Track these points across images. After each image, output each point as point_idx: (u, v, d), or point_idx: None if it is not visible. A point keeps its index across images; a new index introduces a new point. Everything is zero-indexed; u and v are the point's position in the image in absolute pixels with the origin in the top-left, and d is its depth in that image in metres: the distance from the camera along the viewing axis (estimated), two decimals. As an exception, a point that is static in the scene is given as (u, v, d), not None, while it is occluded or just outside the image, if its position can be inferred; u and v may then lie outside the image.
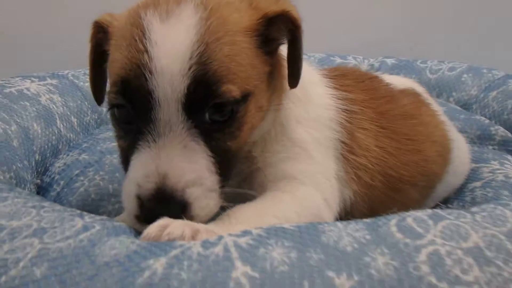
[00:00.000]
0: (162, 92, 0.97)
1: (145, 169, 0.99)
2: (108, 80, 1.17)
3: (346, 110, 1.36)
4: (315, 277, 0.79)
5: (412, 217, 0.94)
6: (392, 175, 1.39)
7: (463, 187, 1.70)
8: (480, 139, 2.04)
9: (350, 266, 0.81)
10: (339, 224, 0.94)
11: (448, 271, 0.81)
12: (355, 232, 0.90)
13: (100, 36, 1.19)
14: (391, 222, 0.92)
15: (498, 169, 1.73)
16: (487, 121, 2.12)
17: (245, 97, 1.06)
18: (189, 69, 0.96)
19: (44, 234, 0.93)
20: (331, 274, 0.80)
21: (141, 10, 1.04)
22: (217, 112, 1.02)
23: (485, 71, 2.51)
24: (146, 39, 0.98)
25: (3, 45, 2.95)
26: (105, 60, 1.19)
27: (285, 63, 1.21)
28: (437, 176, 1.54)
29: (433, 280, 0.79)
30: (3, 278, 0.84)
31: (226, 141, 1.06)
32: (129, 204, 1.00)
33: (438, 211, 0.97)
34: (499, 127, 2.07)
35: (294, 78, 1.18)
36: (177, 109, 0.98)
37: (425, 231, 0.89)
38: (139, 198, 0.98)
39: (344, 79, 1.47)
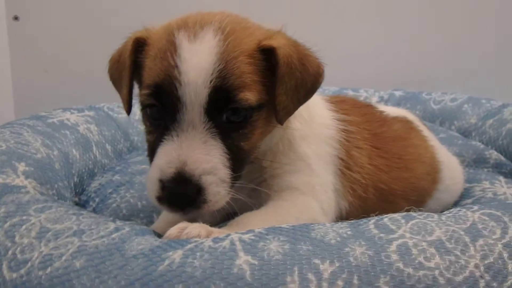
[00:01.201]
0: (188, 99, 1.14)
1: (168, 157, 1.14)
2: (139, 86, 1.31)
3: (344, 130, 1.50)
4: (303, 263, 0.93)
5: (388, 217, 1.08)
6: (384, 189, 1.52)
7: (456, 204, 1.82)
8: (476, 162, 2.15)
9: (333, 255, 0.95)
10: (327, 224, 1.09)
11: (413, 259, 0.94)
12: (339, 229, 1.04)
13: (136, 49, 1.32)
14: (370, 222, 1.07)
15: (489, 188, 1.85)
16: (482, 146, 2.23)
17: (260, 106, 1.21)
18: (211, 82, 1.14)
19: (82, 234, 1.08)
20: (317, 261, 0.94)
21: (174, 30, 1.21)
22: (234, 115, 1.18)
23: (484, 101, 2.63)
24: (177, 55, 1.16)
25: (47, 82, 3.14)
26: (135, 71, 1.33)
27: None
28: (427, 192, 1.67)
29: (401, 265, 0.92)
30: (49, 269, 1.00)
31: (240, 141, 1.21)
32: (152, 186, 1.15)
33: (411, 213, 1.10)
34: (493, 151, 2.17)
35: (277, 113, 1.25)
36: (200, 112, 1.15)
37: (397, 227, 1.02)
38: (161, 181, 1.13)
39: (343, 104, 1.62)
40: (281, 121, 1.27)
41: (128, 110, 1.38)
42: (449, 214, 1.09)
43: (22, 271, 1.01)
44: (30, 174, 1.48)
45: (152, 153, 1.21)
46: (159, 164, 1.14)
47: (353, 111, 1.60)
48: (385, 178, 1.53)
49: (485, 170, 2.11)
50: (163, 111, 1.19)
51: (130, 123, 2.42)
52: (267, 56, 1.23)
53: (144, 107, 1.24)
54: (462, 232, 1.00)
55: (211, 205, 1.15)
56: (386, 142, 1.60)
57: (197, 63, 1.14)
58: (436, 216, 1.08)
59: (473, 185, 1.90)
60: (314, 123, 1.47)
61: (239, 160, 1.22)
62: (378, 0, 3.44)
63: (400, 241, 0.98)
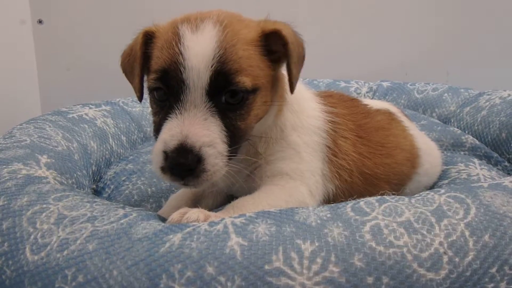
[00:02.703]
0: (191, 81, 1.17)
1: (171, 131, 1.17)
2: (148, 74, 1.33)
3: (331, 121, 1.52)
4: (287, 243, 0.96)
5: (364, 201, 1.09)
6: (368, 173, 1.54)
7: (435, 185, 1.84)
8: (453, 146, 2.16)
9: (313, 236, 0.97)
10: (310, 207, 1.11)
11: (384, 238, 0.96)
12: (320, 212, 1.06)
13: (145, 42, 1.35)
14: (348, 205, 1.08)
15: (463, 170, 1.87)
16: (459, 131, 2.24)
17: (255, 90, 1.24)
18: (211, 66, 1.17)
19: (95, 220, 1.11)
20: (299, 241, 0.96)
21: (178, 24, 1.25)
22: (232, 97, 1.21)
23: (462, 90, 2.64)
24: (181, 44, 1.19)
25: (69, 79, 3.17)
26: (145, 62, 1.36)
27: (284, 77, 1.39)
28: (407, 175, 1.68)
29: (373, 244, 0.94)
30: (66, 252, 1.03)
31: (236, 121, 1.24)
32: (156, 157, 1.19)
33: (385, 196, 1.12)
34: (469, 136, 2.18)
35: (291, 83, 1.32)
36: (201, 93, 1.18)
37: (371, 210, 1.04)
38: (164, 152, 1.16)
39: (330, 98, 1.64)
40: (293, 90, 1.33)
41: (140, 97, 1.41)
42: (418, 197, 1.10)
43: (43, 254, 1.04)
44: (52, 165, 1.51)
45: (157, 132, 1.24)
46: (164, 138, 1.17)
47: (339, 104, 1.62)
48: (368, 163, 1.55)
49: (462, 153, 2.12)
50: (168, 93, 1.22)
51: (143, 115, 2.44)
52: (267, 43, 1.28)
53: (151, 91, 1.27)
54: (428, 213, 1.02)
55: (209, 175, 1.18)
56: (369, 132, 1.62)
57: (199, 50, 1.18)
58: (406, 199, 1.09)
59: (449, 167, 1.91)
60: (304, 114, 1.49)
61: (235, 138, 1.24)
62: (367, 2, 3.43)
63: (373, 222, 1.00)
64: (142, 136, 2.37)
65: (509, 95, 2.26)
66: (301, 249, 0.94)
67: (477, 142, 2.14)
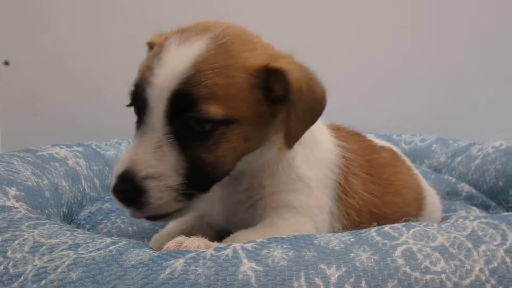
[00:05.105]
0: (153, 101, 1.06)
1: (125, 155, 1.08)
2: None
3: (343, 156, 1.43)
4: (309, 268, 0.85)
5: (388, 226, 1.00)
6: (376, 213, 1.45)
7: (436, 232, 1.76)
8: (449, 195, 2.12)
9: (339, 260, 0.87)
10: (328, 233, 1.01)
11: (419, 263, 0.87)
12: (342, 237, 0.97)
13: None
14: (372, 230, 0.99)
15: (465, 216, 1.80)
16: (454, 179, 2.21)
17: (228, 121, 1.09)
18: (175, 86, 1.04)
19: (78, 248, 0.99)
20: (323, 266, 0.86)
21: (172, 33, 1.15)
22: (198, 124, 1.07)
23: (451, 141, 2.63)
24: (159, 57, 1.09)
25: (35, 125, 3.05)
26: None
27: None
28: (413, 217, 1.58)
29: (408, 270, 0.85)
30: (43, 281, 0.90)
31: (200, 152, 1.09)
32: (112, 178, 1.09)
33: (410, 222, 1.03)
34: (465, 184, 2.15)
35: (286, 138, 1.17)
36: (160, 116, 1.06)
37: (400, 234, 0.95)
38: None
39: (339, 131, 1.55)
40: (290, 146, 1.18)
41: None
42: (448, 223, 1.02)
43: (15, 285, 0.91)
44: (21, 198, 1.38)
45: None
46: (120, 159, 1.10)
47: (349, 138, 1.53)
48: (377, 202, 1.47)
49: (458, 202, 2.08)
50: (137, 112, 1.13)
51: (118, 159, 2.32)
52: (266, 77, 1.13)
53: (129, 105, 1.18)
54: (463, 239, 0.94)
55: (152, 208, 1.06)
56: (377, 168, 1.54)
57: (170, 67, 1.07)
58: (435, 224, 1.01)
59: (450, 214, 1.87)
60: (317, 147, 1.39)
61: (199, 171, 1.11)
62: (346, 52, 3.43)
63: (404, 246, 0.91)
64: (116, 181, 2.23)
65: (501, 144, 2.24)
66: (327, 275, 0.84)
67: (473, 190, 2.10)
